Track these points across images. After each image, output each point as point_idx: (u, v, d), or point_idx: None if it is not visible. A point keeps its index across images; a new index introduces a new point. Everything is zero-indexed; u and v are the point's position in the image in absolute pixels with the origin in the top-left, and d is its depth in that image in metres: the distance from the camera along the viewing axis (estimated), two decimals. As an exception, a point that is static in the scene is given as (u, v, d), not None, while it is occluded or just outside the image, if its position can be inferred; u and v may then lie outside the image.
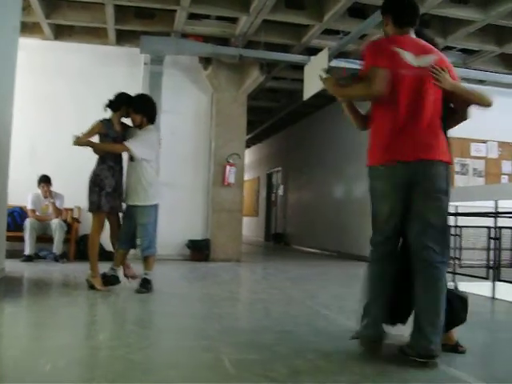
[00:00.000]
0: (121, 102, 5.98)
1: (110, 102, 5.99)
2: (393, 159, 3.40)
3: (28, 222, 8.61)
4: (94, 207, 5.82)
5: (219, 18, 9.44)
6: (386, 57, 3.42)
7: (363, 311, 3.52)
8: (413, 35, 3.57)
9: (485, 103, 3.64)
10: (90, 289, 5.77)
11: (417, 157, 3.35)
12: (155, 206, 6.00)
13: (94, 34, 9.86)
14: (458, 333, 3.63)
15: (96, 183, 5.79)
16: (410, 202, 3.41)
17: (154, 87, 9.76)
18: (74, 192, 9.08)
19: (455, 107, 3.66)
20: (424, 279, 3.34)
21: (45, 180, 8.83)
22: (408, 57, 3.42)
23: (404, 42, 3.50)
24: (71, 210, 9.35)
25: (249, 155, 20.91)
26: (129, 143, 5.82)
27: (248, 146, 20.00)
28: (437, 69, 3.42)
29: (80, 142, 5.74)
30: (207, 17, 9.42)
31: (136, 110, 5.94)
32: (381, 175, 3.49)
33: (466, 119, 3.73)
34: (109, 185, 5.79)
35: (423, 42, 3.54)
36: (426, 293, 3.32)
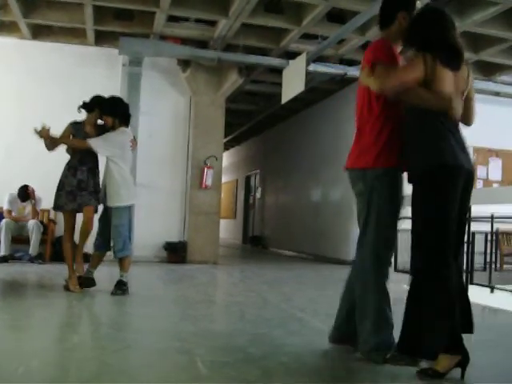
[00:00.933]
0: (94, 104, 6.01)
1: (84, 103, 6.03)
2: None
3: (4, 223, 8.55)
4: (55, 206, 5.95)
5: (198, 21, 9.45)
6: None
7: None
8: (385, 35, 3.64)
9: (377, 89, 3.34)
10: (65, 290, 5.76)
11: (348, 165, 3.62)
12: (128, 208, 6.01)
13: (73, 34, 9.82)
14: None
15: (58, 183, 5.88)
16: None
17: (133, 89, 9.76)
18: (50, 193, 9.05)
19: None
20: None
21: (25, 192, 8.79)
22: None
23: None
24: (48, 211, 9.30)
25: (227, 158, 20.96)
26: (89, 140, 5.83)
27: (226, 148, 20.06)
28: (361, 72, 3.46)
29: (41, 133, 5.75)
30: (186, 19, 9.42)
31: (105, 112, 5.99)
32: None
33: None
34: (68, 184, 5.80)
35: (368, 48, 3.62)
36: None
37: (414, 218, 3.32)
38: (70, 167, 5.87)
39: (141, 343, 3.82)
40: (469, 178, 3.29)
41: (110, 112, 5.99)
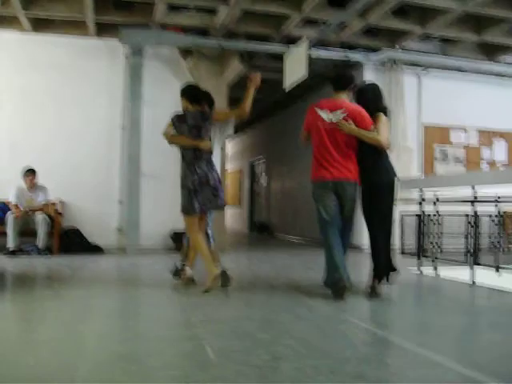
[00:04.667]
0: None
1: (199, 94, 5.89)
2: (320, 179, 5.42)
3: (10, 216, 8.59)
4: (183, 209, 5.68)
5: (199, 9, 9.44)
6: (307, 119, 5.55)
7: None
8: (344, 96, 5.47)
9: (374, 143, 5.33)
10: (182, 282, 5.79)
11: (334, 177, 5.30)
12: None
13: (74, 26, 9.81)
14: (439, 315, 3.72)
15: (182, 185, 5.63)
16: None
17: (135, 79, 9.79)
18: (57, 185, 9.13)
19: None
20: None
21: (30, 171, 8.83)
22: (323, 114, 5.37)
23: (323, 103, 5.46)
24: (54, 203, 9.34)
25: (232, 146, 20.95)
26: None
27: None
28: (339, 121, 5.27)
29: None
30: (187, 8, 9.40)
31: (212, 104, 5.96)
32: (316, 187, 5.47)
33: (380, 148, 5.40)
34: (191, 183, 5.56)
35: (337, 102, 5.41)
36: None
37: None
38: (187, 164, 5.61)
39: (150, 331, 3.86)
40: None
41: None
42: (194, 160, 5.55)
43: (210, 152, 5.72)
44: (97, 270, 7.50)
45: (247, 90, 5.68)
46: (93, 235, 9.54)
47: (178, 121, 5.67)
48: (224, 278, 5.53)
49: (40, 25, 9.70)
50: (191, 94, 5.82)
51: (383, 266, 5.41)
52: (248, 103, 5.67)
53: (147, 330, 3.92)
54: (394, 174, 5.51)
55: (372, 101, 5.57)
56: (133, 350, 3.30)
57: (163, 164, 10.09)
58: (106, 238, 9.67)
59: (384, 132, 5.36)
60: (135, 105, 9.80)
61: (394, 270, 5.52)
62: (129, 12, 9.50)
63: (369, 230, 5.52)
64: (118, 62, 9.92)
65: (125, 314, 4.66)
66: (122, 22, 9.53)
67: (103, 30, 9.91)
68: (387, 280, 5.45)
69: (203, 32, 9.93)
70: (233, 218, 20.53)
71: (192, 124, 5.59)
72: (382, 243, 5.43)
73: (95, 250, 9.34)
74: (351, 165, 5.35)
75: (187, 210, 5.58)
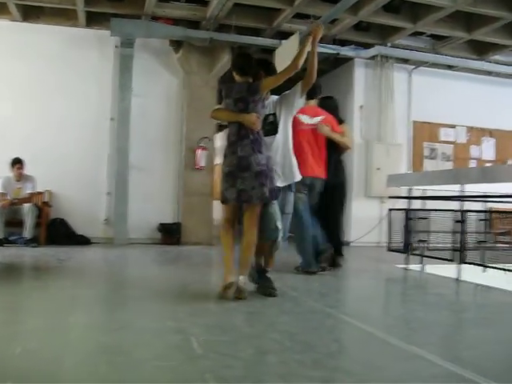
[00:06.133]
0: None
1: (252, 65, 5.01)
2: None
3: (-3, 206, 8.54)
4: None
5: (190, 1, 9.40)
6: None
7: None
8: (313, 103, 6.51)
9: (343, 145, 6.71)
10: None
11: (309, 174, 6.13)
12: None
13: (64, 16, 9.74)
14: (425, 311, 3.74)
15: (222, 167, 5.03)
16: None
17: (125, 70, 9.75)
18: (44, 176, 9.08)
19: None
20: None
21: (18, 161, 8.77)
22: (304, 118, 6.32)
23: (304, 110, 6.19)
24: (41, 193, 9.29)
25: (220, 139, 20.88)
26: None
27: (220, 129, 19.96)
28: (320, 124, 6.34)
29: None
30: (178, -1, 9.38)
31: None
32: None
33: (345, 149, 6.84)
34: (228, 165, 4.92)
35: (316, 109, 6.48)
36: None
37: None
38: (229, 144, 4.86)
39: (136, 323, 3.85)
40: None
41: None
42: (238, 139, 4.76)
43: (271, 131, 5.11)
44: (84, 261, 7.48)
45: (303, 43, 5.14)
46: (80, 226, 9.51)
47: (226, 93, 4.90)
48: (238, 291, 4.72)
49: (30, 14, 9.63)
50: (237, 64, 5.00)
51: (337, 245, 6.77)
52: (300, 57, 5.05)
53: (133, 322, 3.90)
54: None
55: (335, 111, 6.73)
56: (119, 341, 3.29)
57: (152, 156, 10.10)
58: (93, 229, 9.65)
59: (351, 137, 6.96)
60: (124, 96, 9.76)
61: (342, 254, 6.93)
62: (120, 2, 9.45)
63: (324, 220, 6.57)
64: (107, 52, 9.88)
65: (111, 305, 4.64)
66: (112, 12, 9.47)
67: (94, 20, 9.85)
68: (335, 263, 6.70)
69: (194, 24, 9.90)
70: (220, 211, 20.47)
71: (237, 97, 4.80)
72: (337, 231, 6.92)
73: (82, 241, 9.31)
74: (322, 164, 6.38)
75: (221, 198, 5.08)
